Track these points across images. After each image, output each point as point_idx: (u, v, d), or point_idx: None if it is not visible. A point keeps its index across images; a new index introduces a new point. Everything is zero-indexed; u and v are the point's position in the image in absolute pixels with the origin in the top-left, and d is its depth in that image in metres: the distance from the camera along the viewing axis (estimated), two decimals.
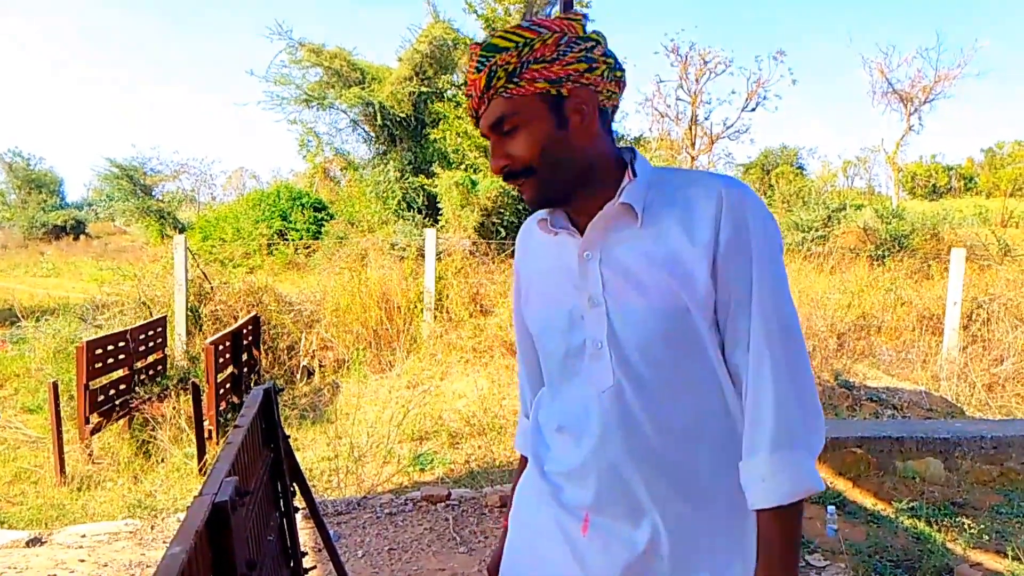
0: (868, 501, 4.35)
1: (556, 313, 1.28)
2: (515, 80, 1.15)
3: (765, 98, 27.25)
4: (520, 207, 13.05)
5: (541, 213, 1.31)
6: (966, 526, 3.93)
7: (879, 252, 12.88)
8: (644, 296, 1.18)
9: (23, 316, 10.01)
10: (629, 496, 1.23)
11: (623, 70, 1.24)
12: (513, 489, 1.55)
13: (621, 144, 1.32)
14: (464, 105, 14.33)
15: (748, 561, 1.21)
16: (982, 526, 3.94)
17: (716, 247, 1.15)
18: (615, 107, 1.25)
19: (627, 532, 1.23)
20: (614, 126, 1.31)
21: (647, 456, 1.21)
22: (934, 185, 38.15)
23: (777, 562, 1.14)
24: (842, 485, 4.49)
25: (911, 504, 4.21)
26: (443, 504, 4.43)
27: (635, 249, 1.19)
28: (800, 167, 33.31)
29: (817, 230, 14.44)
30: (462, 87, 15.36)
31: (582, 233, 1.24)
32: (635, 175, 1.22)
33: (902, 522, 4.07)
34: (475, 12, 13.54)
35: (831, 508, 4.05)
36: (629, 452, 1.21)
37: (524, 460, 1.54)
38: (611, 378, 1.21)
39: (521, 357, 1.53)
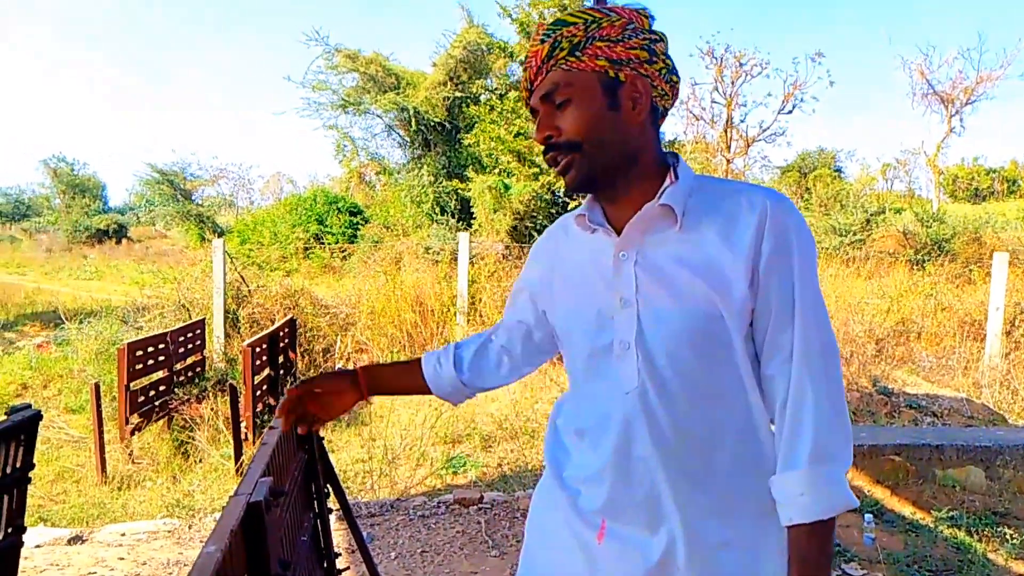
0: (906, 509, 4.28)
1: (585, 312, 1.28)
2: (576, 54, 1.17)
3: (802, 100, 26.82)
4: (553, 211, 13.05)
5: (580, 210, 1.31)
6: (1008, 536, 3.85)
7: (919, 256, 12.65)
8: (677, 300, 1.17)
9: (67, 318, 10.22)
10: (648, 501, 1.22)
11: (679, 77, 1.26)
12: (389, 369, 1.66)
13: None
14: (497, 109, 14.37)
15: None
16: None
17: (758, 259, 1.15)
18: (666, 109, 1.26)
19: (643, 540, 1.22)
20: None
21: (668, 461, 1.20)
22: (976, 188, 37.36)
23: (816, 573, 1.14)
24: (880, 493, 4.42)
25: (951, 513, 4.13)
26: (475, 507, 4.44)
27: (672, 252, 1.19)
28: (838, 170, 32.87)
29: (855, 234, 14.22)
30: (496, 91, 15.39)
31: (618, 232, 1.24)
32: (677, 178, 1.22)
33: (941, 531, 3.99)
34: (509, 16, 13.58)
35: (868, 516, 3.99)
36: (650, 456, 1.21)
37: (420, 367, 1.58)
38: (636, 379, 1.20)
39: (503, 323, 1.57)
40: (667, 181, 1.21)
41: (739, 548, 1.21)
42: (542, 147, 1.23)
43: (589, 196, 1.31)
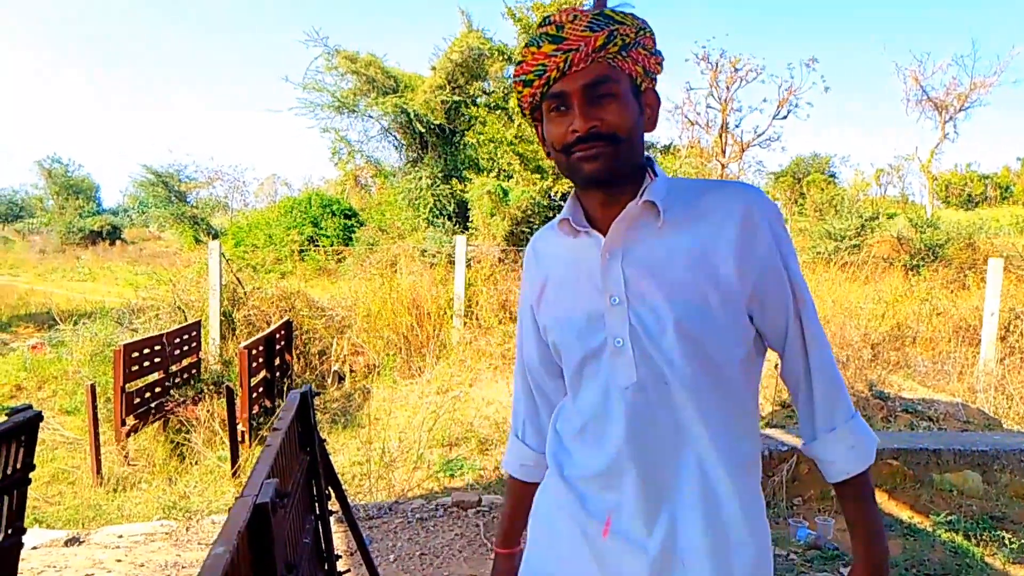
0: (904, 514, 4.29)
1: (576, 316, 1.29)
2: (624, 53, 1.20)
3: (797, 106, 26.92)
4: (550, 215, 13.05)
5: (562, 215, 1.32)
6: (1005, 540, 3.86)
7: (914, 262, 12.70)
8: (666, 293, 1.20)
9: (61, 319, 10.20)
10: (652, 495, 1.23)
11: None
12: (507, 517, 1.56)
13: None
14: (499, 110, 14.37)
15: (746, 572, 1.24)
16: (1023, 541, 3.86)
17: (750, 252, 1.20)
18: None
19: (645, 532, 1.24)
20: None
21: (670, 454, 1.23)
22: (969, 194, 37.50)
23: (876, 513, 1.29)
24: (878, 497, 4.42)
25: (948, 517, 4.14)
26: (473, 510, 4.44)
27: (657, 246, 1.23)
28: (832, 175, 32.96)
29: (850, 239, 14.26)
30: (493, 94, 15.38)
31: (602, 232, 1.26)
32: (656, 175, 1.27)
33: (939, 535, 4.00)
34: (513, 17, 13.49)
35: None
36: (653, 450, 1.23)
37: (514, 481, 1.54)
38: (634, 374, 1.23)
39: (520, 371, 1.54)
40: (647, 179, 1.26)
41: (737, 546, 1.23)
42: (575, 136, 1.20)
43: (570, 199, 1.33)
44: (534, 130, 1.36)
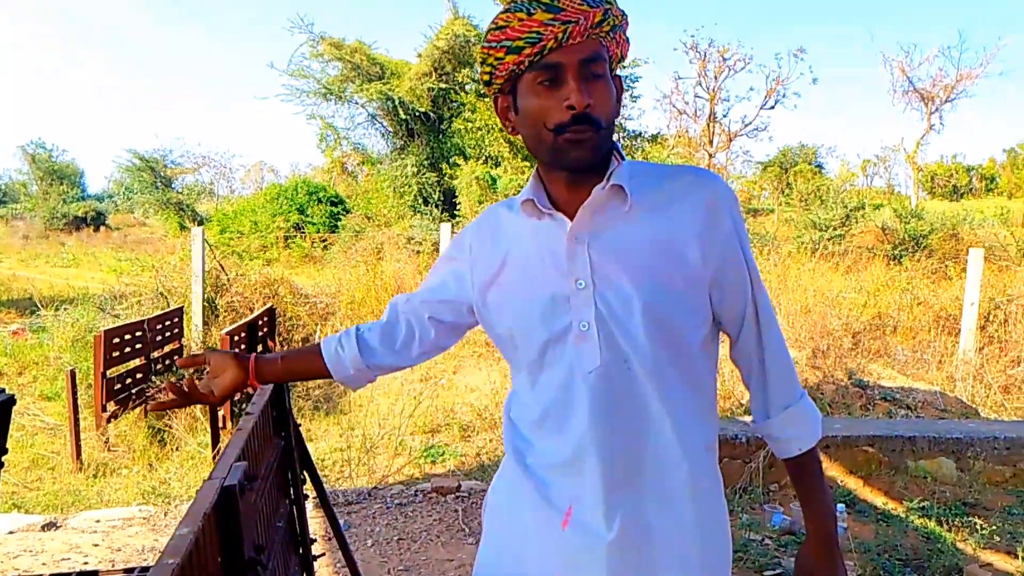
0: (878, 500, 4.34)
1: (539, 299, 1.25)
2: (612, 34, 1.20)
3: (784, 96, 27.06)
4: None
5: (524, 195, 1.27)
6: (977, 526, 3.91)
7: (897, 252, 12.79)
8: (633, 276, 1.20)
9: (43, 305, 10.13)
10: (613, 482, 1.22)
11: None
12: (285, 353, 1.56)
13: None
14: (488, 98, 14.31)
15: (710, 551, 1.28)
16: (993, 527, 3.91)
17: (713, 237, 1.22)
18: None
19: (605, 521, 1.22)
20: (630, 124, 1.35)
21: (633, 439, 1.23)
22: (954, 185, 37.75)
23: (825, 486, 1.32)
24: (852, 483, 4.48)
25: (922, 504, 4.19)
26: (453, 496, 4.46)
27: (624, 231, 1.22)
28: (819, 166, 33.16)
29: (835, 229, 14.35)
30: (478, 82, 15.37)
31: (566, 215, 1.24)
32: (622, 159, 1.26)
33: (912, 521, 4.05)
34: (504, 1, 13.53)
35: (840, 506, 4.04)
36: (616, 435, 1.22)
37: (318, 353, 1.51)
38: (598, 359, 1.21)
39: (404, 302, 1.50)
40: (613, 163, 1.24)
41: (696, 526, 1.25)
42: (571, 114, 1.15)
43: (532, 179, 1.29)
44: (493, 101, 1.29)
